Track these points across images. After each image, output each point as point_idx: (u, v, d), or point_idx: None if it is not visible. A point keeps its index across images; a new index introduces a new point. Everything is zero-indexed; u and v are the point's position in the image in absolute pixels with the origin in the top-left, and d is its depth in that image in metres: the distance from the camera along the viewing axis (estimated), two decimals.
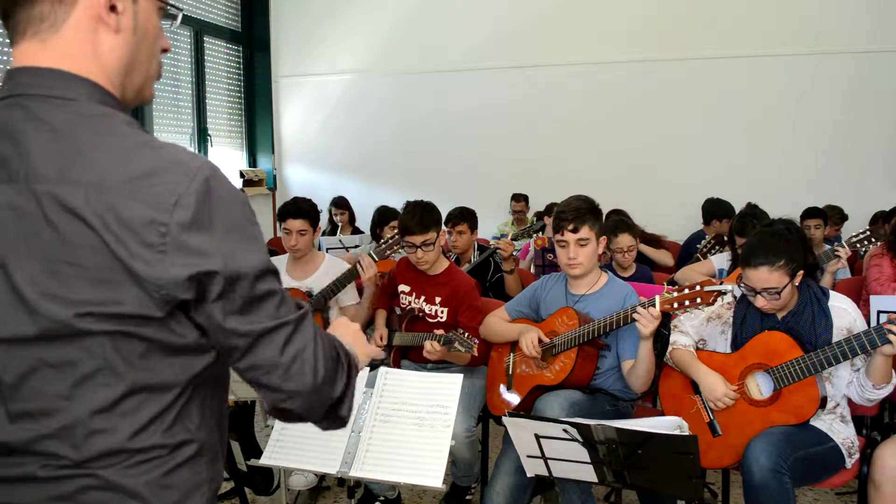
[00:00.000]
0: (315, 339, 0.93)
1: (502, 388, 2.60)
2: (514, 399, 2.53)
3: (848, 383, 2.23)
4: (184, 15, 0.98)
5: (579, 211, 2.43)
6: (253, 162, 7.06)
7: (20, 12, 0.88)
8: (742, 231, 3.19)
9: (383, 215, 4.38)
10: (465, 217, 3.73)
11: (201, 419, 0.94)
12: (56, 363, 0.84)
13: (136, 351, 0.85)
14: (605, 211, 4.61)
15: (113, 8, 0.91)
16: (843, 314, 2.22)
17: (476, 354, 2.57)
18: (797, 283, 2.23)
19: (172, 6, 1.02)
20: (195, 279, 0.83)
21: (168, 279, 0.82)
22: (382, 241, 3.12)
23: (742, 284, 2.27)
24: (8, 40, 0.92)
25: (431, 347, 2.61)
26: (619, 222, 3.57)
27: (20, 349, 0.84)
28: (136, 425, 0.86)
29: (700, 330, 2.44)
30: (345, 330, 1.18)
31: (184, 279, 0.83)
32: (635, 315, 2.19)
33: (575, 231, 2.42)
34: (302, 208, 3.08)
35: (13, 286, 0.83)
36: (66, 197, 0.81)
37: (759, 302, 2.22)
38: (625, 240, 3.47)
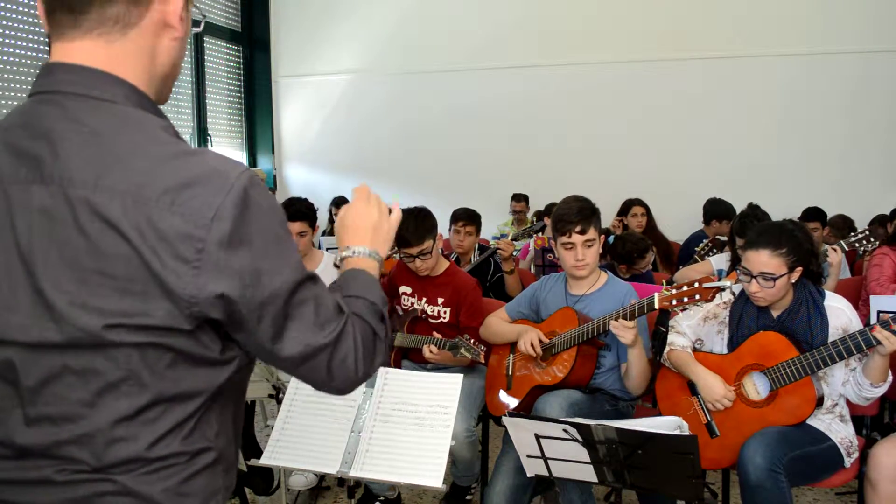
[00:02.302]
0: (355, 342, 0.93)
1: (501, 392, 2.60)
2: (511, 402, 2.52)
3: (844, 382, 2.23)
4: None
5: (583, 212, 2.41)
6: (253, 162, 7.07)
7: (94, 10, 0.86)
8: (742, 232, 3.18)
9: None
10: (473, 219, 3.75)
11: (220, 427, 0.93)
12: (80, 370, 0.83)
13: (162, 361, 0.84)
14: (616, 203, 4.67)
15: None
16: (839, 314, 2.22)
17: (483, 361, 2.57)
18: (793, 281, 2.23)
19: (199, 11, 1.03)
20: (225, 299, 0.82)
21: (201, 297, 0.81)
22: None
23: (739, 268, 2.28)
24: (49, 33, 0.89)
25: (430, 353, 2.61)
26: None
27: (44, 355, 0.83)
28: (156, 434, 0.86)
29: (696, 330, 2.44)
30: (363, 220, 1.11)
31: (214, 297, 0.82)
32: (611, 328, 2.21)
33: (582, 232, 2.40)
34: (300, 210, 3.07)
35: (40, 291, 0.81)
36: (101, 205, 0.79)
37: (753, 287, 2.22)
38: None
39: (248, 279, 0.83)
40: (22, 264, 0.82)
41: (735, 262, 3.25)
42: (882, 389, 2.15)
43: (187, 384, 0.87)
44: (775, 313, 2.28)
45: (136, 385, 0.84)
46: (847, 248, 3.34)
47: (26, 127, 0.85)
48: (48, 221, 0.81)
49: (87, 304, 0.81)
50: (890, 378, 2.15)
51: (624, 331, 2.19)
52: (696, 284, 2.13)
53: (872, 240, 3.29)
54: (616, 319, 2.26)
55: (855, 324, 2.21)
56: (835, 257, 3.18)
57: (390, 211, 1.17)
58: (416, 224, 2.76)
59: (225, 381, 0.91)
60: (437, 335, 2.72)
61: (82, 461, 0.84)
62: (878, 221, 4.61)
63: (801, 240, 2.23)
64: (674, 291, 2.16)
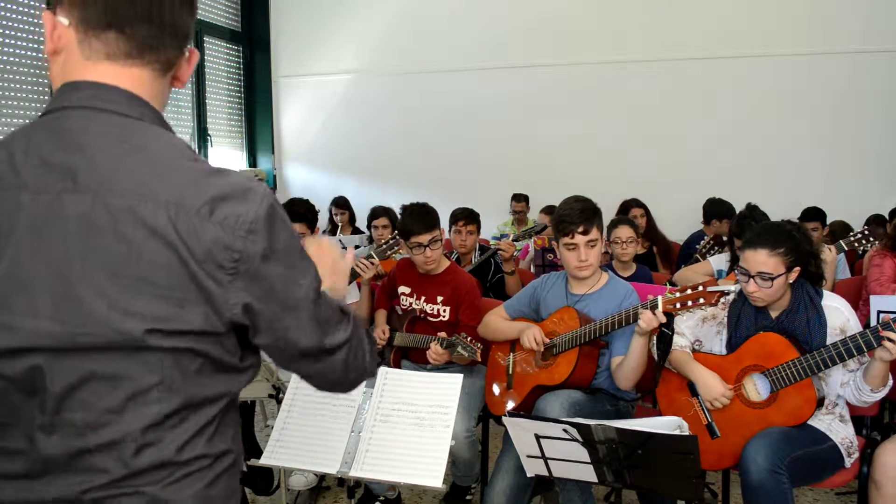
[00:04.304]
0: (361, 339, 1.02)
1: (496, 387, 2.60)
2: (509, 404, 2.52)
3: (842, 384, 2.23)
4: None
5: (585, 212, 2.41)
6: (253, 162, 7.07)
7: (160, 50, 0.91)
8: (740, 233, 3.18)
9: (374, 213, 4.48)
10: (473, 218, 3.78)
11: (234, 430, 0.97)
12: (110, 376, 0.84)
13: (192, 367, 0.87)
14: (616, 204, 4.67)
15: None
16: (837, 314, 2.22)
17: (479, 360, 2.57)
18: (791, 281, 2.23)
19: None
20: (253, 307, 0.88)
21: (237, 302, 0.87)
22: (383, 241, 3.13)
23: (737, 268, 2.28)
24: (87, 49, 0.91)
25: (435, 351, 2.61)
26: (616, 221, 3.60)
27: (73, 360, 0.83)
28: (183, 438, 0.88)
29: (695, 331, 2.44)
30: (322, 260, 1.15)
31: (243, 304, 0.87)
32: (642, 311, 2.18)
33: (585, 233, 2.40)
34: (298, 211, 3.07)
35: (75, 296, 0.82)
36: (146, 214, 0.83)
37: (751, 287, 2.22)
38: (624, 231, 3.47)
39: (278, 287, 0.89)
40: (51, 271, 0.83)
41: (734, 262, 3.25)
42: (882, 394, 2.15)
43: (212, 389, 0.90)
44: (774, 314, 2.28)
45: (166, 391, 0.86)
46: (846, 248, 3.34)
47: (56, 140, 0.86)
48: (85, 229, 0.83)
49: (127, 309, 0.83)
50: (890, 382, 2.15)
51: (649, 322, 2.15)
52: (700, 288, 2.12)
53: (871, 238, 3.29)
54: (617, 322, 2.26)
55: (853, 323, 2.21)
56: (829, 256, 3.18)
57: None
58: (424, 214, 2.83)
59: (240, 387, 0.95)
60: (442, 334, 2.72)
61: (109, 471, 0.84)
62: (876, 220, 4.61)
63: (800, 240, 2.23)
64: (677, 295, 2.15)
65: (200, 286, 0.84)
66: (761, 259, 2.19)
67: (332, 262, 1.20)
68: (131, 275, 0.82)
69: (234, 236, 0.85)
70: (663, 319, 2.16)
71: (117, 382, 0.84)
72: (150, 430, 0.85)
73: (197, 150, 6.11)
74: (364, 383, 1.97)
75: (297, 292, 0.91)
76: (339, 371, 1.00)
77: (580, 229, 2.39)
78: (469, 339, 2.57)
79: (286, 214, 0.92)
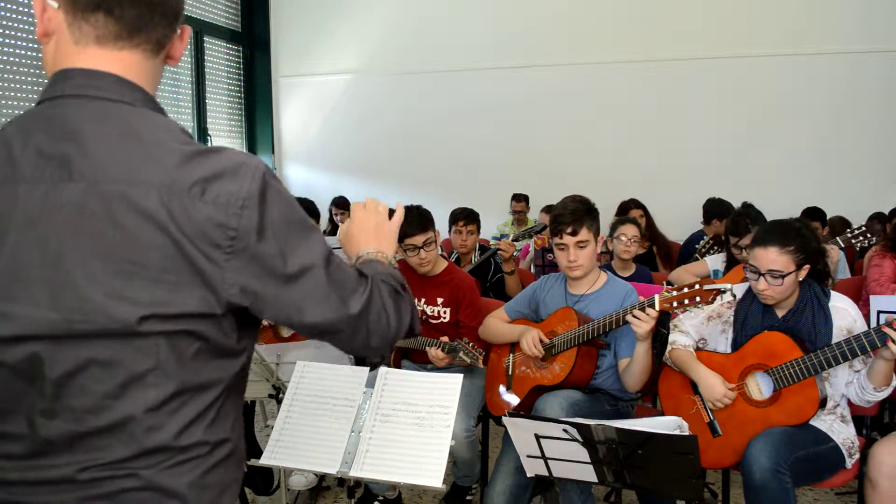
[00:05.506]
0: (383, 300, 0.98)
1: (501, 388, 2.60)
2: (513, 400, 2.52)
3: (847, 384, 2.23)
4: (184, 15, 1.03)
5: (577, 213, 2.42)
6: None
7: (149, 30, 0.91)
8: (736, 231, 3.17)
9: None
10: (473, 217, 3.78)
11: (235, 418, 0.97)
12: (107, 362, 0.85)
13: (189, 350, 0.87)
14: (615, 203, 4.68)
15: None
16: (844, 314, 2.22)
17: (482, 366, 2.57)
18: (800, 279, 2.23)
19: None
20: (248, 290, 0.87)
21: (235, 283, 0.86)
22: None
23: (747, 266, 2.28)
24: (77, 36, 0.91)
25: (436, 355, 2.61)
26: (623, 220, 3.61)
27: (71, 347, 0.84)
28: (181, 423, 0.88)
29: (700, 329, 2.44)
30: (363, 225, 1.16)
31: (241, 287, 0.87)
32: (630, 317, 2.19)
33: (574, 234, 2.41)
34: (309, 207, 3.09)
35: (73, 284, 0.83)
36: (138, 198, 0.83)
37: (761, 285, 2.22)
38: (630, 230, 3.47)
39: (276, 263, 0.88)
40: (48, 261, 0.84)
41: (731, 262, 3.24)
42: (885, 393, 2.15)
43: (208, 374, 0.90)
44: (780, 313, 2.28)
45: (162, 375, 0.86)
46: (844, 245, 3.33)
47: (50, 130, 0.87)
48: (80, 217, 0.84)
49: (122, 296, 0.83)
50: (894, 382, 2.15)
51: (644, 321, 2.16)
52: (697, 286, 2.13)
53: (869, 235, 3.29)
54: (615, 321, 2.26)
55: (859, 324, 2.21)
56: (835, 254, 3.17)
57: (391, 212, 1.23)
58: (418, 216, 2.82)
59: (239, 370, 0.95)
60: (445, 339, 2.72)
61: (110, 452, 0.85)
62: (876, 218, 4.61)
63: (809, 238, 2.23)
64: (674, 293, 2.16)
65: (195, 266, 0.84)
66: (772, 256, 2.19)
67: (376, 225, 1.17)
68: (125, 260, 0.83)
69: (227, 214, 0.85)
70: (655, 315, 2.16)
71: (114, 368, 0.85)
72: (149, 415, 0.86)
73: None
74: (365, 379, 1.99)
75: (296, 266, 0.89)
76: (363, 336, 0.97)
77: (569, 230, 2.40)
78: (471, 344, 2.57)
79: (283, 186, 0.91)
